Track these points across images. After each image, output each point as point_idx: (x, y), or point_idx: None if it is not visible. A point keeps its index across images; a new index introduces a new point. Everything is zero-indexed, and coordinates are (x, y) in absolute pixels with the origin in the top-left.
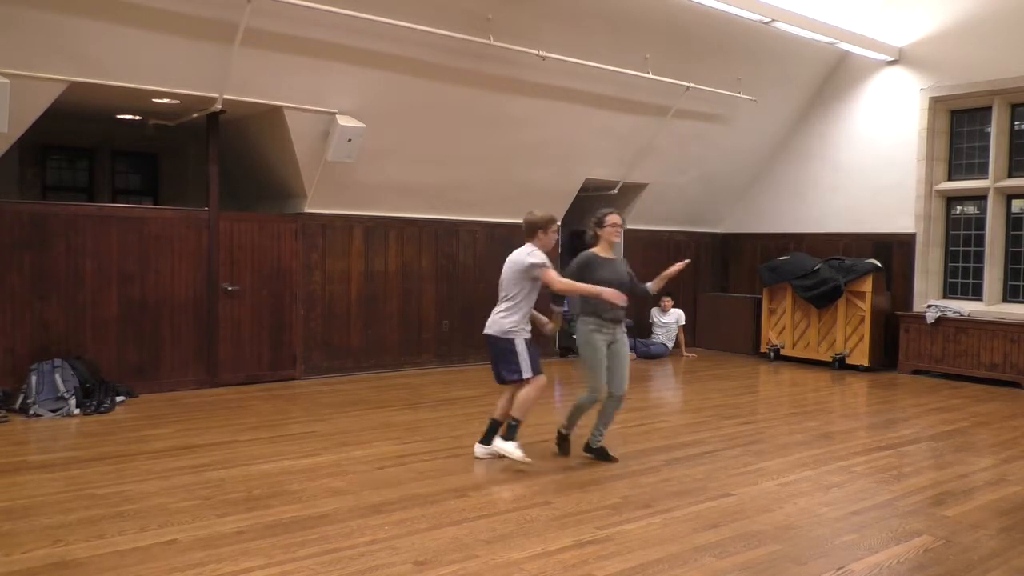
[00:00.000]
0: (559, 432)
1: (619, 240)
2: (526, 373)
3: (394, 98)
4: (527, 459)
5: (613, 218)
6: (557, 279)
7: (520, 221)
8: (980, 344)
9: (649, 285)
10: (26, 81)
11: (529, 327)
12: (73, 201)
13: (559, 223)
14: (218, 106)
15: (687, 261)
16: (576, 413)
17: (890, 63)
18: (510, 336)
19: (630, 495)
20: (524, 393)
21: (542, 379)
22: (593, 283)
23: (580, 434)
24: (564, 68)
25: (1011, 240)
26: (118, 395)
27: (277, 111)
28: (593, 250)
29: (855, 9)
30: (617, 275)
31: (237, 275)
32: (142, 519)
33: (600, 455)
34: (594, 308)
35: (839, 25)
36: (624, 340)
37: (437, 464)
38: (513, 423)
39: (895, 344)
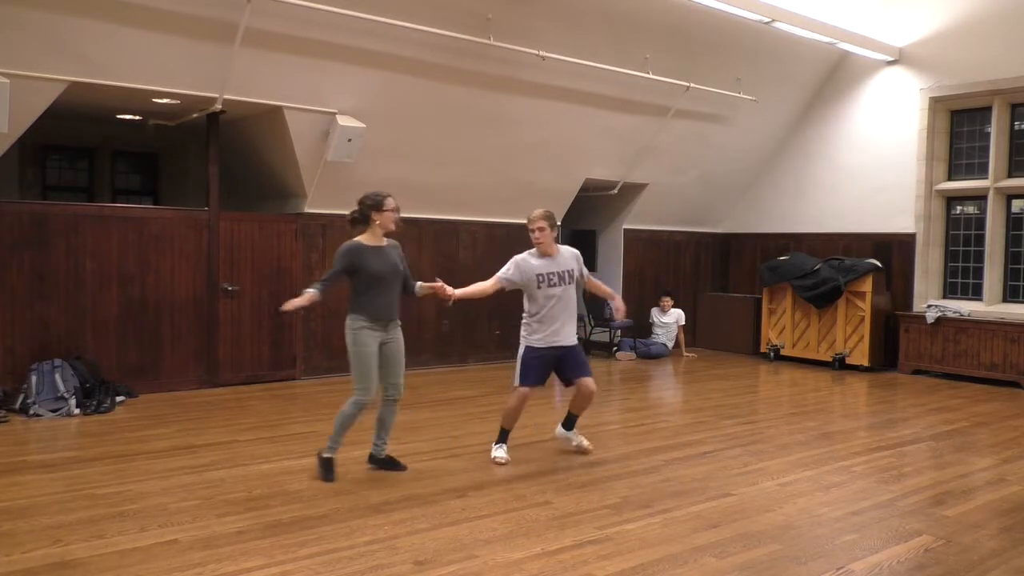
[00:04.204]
0: (323, 456)
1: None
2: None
3: (394, 98)
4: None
5: (393, 202)
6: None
7: (520, 221)
8: (980, 344)
9: (418, 285)
10: (26, 81)
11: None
12: (73, 201)
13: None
14: (218, 106)
15: (439, 284)
16: (343, 426)
17: (890, 63)
18: None
19: (630, 495)
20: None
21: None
22: (367, 275)
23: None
24: (564, 68)
25: (1011, 240)
26: (118, 395)
27: (277, 111)
28: (360, 238)
29: (855, 9)
30: (389, 265)
31: (237, 275)
32: (142, 519)
33: (388, 465)
34: (364, 305)
35: (839, 25)
36: (399, 338)
37: (437, 464)
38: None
39: (895, 344)
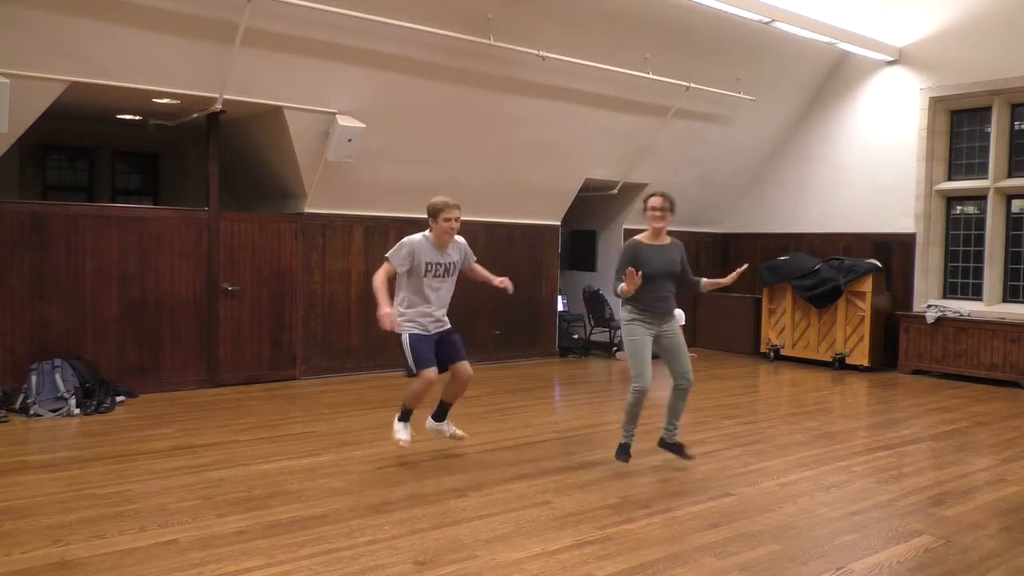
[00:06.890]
0: (623, 443)
1: (662, 225)
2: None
3: (394, 98)
4: (404, 441)
5: (655, 200)
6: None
7: (520, 221)
8: (980, 344)
9: (703, 281)
10: (26, 81)
11: (415, 320)
12: (73, 201)
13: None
14: (218, 106)
15: (745, 266)
16: (628, 414)
17: (890, 63)
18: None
19: (630, 495)
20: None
21: (427, 373)
22: (644, 272)
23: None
24: (564, 68)
25: (1011, 240)
26: (118, 395)
27: (277, 111)
28: (639, 237)
29: (855, 9)
30: (667, 264)
31: (237, 275)
32: (142, 519)
33: (675, 450)
34: (637, 298)
35: (839, 25)
36: (676, 331)
37: (437, 464)
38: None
39: (895, 344)
